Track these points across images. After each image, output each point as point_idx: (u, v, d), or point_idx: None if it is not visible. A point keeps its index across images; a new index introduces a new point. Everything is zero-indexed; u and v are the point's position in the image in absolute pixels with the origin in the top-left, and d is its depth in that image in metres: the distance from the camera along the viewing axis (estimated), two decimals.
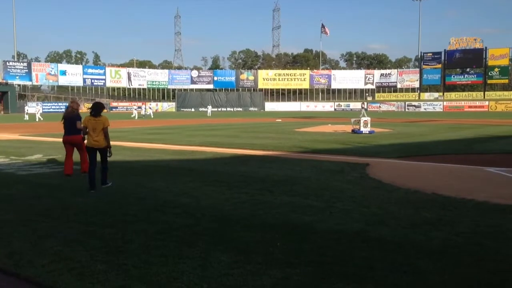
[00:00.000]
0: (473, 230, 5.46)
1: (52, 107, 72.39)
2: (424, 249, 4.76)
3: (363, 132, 21.48)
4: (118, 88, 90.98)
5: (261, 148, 15.03)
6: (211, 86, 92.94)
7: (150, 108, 56.30)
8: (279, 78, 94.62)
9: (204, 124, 34.09)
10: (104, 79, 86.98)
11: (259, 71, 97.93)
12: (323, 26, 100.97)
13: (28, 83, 79.52)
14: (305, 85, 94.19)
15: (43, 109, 67.37)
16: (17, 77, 76.55)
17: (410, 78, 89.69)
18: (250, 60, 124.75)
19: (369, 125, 21.91)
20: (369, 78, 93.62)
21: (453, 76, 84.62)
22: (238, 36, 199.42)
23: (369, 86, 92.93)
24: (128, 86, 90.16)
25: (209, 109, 61.75)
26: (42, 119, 42.61)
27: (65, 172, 9.63)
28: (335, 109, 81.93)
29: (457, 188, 8.13)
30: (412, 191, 7.87)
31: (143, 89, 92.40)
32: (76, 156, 9.89)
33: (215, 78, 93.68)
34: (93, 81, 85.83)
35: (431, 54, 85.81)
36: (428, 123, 33.97)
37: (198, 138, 19.70)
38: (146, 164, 11.51)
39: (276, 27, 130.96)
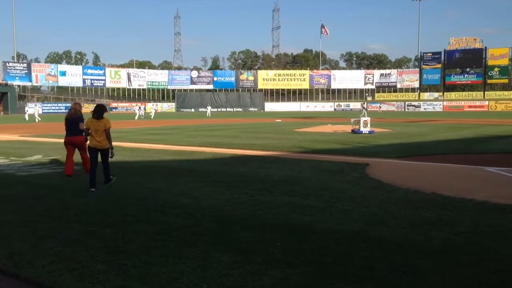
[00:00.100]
0: (473, 230, 5.46)
1: (52, 107, 72.50)
2: (424, 249, 4.76)
3: (363, 132, 21.49)
4: (118, 89, 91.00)
5: (261, 149, 15.03)
6: (211, 87, 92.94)
7: (152, 108, 57.26)
8: (279, 79, 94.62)
9: (204, 124, 34.10)
10: (104, 80, 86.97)
11: (259, 71, 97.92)
12: (322, 26, 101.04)
13: (28, 84, 79.51)
14: (305, 85, 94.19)
15: (43, 110, 67.63)
16: (17, 77, 76.54)
17: (410, 78, 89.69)
18: (250, 61, 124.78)
19: (369, 125, 21.91)
20: (369, 78, 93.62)
21: (453, 76, 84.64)
22: (238, 36, 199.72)
23: (369, 86, 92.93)
24: (128, 87, 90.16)
25: (209, 109, 61.75)
26: (39, 119, 42.65)
27: (66, 173, 9.65)
28: (335, 109, 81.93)
29: (457, 188, 8.13)
30: (412, 191, 7.87)
31: (142, 89, 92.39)
32: (76, 157, 9.90)
33: (215, 79, 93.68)
34: (93, 81, 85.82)
35: (431, 54, 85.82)
36: (428, 123, 33.98)
37: (198, 138, 19.71)
38: (146, 164, 11.51)
39: (275, 28, 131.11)
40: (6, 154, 13.95)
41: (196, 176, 9.55)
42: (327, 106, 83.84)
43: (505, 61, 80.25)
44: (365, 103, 38.19)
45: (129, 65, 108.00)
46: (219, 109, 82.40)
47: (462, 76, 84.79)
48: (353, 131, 21.92)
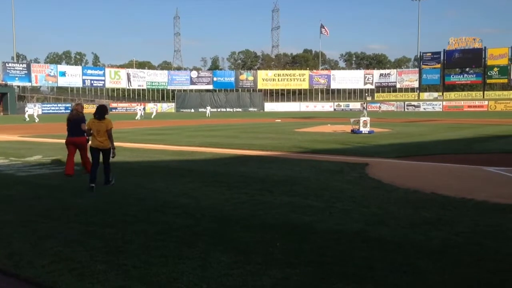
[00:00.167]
0: (472, 230, 5.46)
1: (52, 108, 72.47)
2: (423, 249, 4.76)
3: (363, 132, 21.49)
4: (118, 89, 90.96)
5: (260, 149, 15.03)
6: (210, 87, 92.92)
7: (153, 108, 57.74)
8: (278, 79, 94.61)
9: (203, 124, 34.10)
10: (104, 80, 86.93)
11: (259, 71, 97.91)
12: (322, 26, 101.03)
13: (28, 84, 79.47)
14: (305, 85, 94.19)
15: (42, 110, 67.61)
16: (17, 78, 76.49)
17: (409, 78, 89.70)
18: (249, 61, 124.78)
19: (368, 125, 21.91)
20: (368, 78, 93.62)
21: (453, 76, 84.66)
22: (238, 36, 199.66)
23: (369, 86, 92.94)
24: (128, 87, 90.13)
25: (208, 109, 61.71)
26: (38, 120, 42.67)
27: (66, 172, 9.66)
28: (334, 109, 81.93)
29: (457, 188, 8.14)
30: (412, 191, 7.87)
31: (142, 89, 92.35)
32: (77, 157, 9.92)
33: (215, 79, 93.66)
34: (92, 82, 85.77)
35: (430, 54, 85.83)
36: (427, 123, 33.99)
37: (198, 138, 19.71)
38: (146, 164, 11.52)
39: (275, 28, 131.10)
40: (6, 154, 13.95)
41: (196, 176, 9.55)
42: (327, 106, 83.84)
43: (504, 61, 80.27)
44: (365, 103, 38.15)
45: (129, 65, 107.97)
46: (219, 109, 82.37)
47: (461, 76, 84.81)
48: (353, 131, 21.92)
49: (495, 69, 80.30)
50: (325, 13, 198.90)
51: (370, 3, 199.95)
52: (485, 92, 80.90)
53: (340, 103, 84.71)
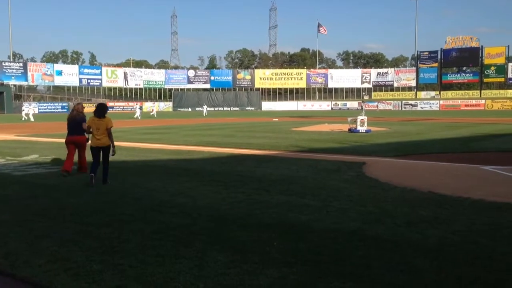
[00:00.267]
0: (469, 228, 5.47)
1: (48, 107, 72.27)
2: (420, 248, 4.77)
3: (360, 131, 21.51)
4: (115, 88, 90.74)
5: (257, 148, 15.03)
6: (207, 86, 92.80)
7: (153, 107, 58.59)
8: (276, 78, 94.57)
9: (201, 123, 34.08)
10: (101, 79, 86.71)
11: (256, 70, 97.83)
12: (319, 25, 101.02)
13: (24, 83, 79.19)
14: (302, 84, 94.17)
15: (39, 109, 67.47)
16: (13, 77, 76.21)
17: (406, 77, 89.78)
18: (246, 60, 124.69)
19: (365, 124, 21.94)
20: (365, 77, 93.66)
21: (450, 75, 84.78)
22: (235, 35, 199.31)
23: (366, 85, 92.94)
24: (125, 86, 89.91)
25: (205, 108, 61.63)
26: (33, 119, 42.55)
27: (64, 167, 9.65)
28: (332, 108, 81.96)
29: (453, 187, 8.16)
30: (409, 189, 7.88)
31: (139, 89, 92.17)
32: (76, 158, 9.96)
33: (212, 78, 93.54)
34: (89, 81, 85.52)
35: (427, 53, 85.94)
36: (424, 121, 34.05)
37: (195, 138, 19.69)
38: (142, 164, 11.50)
39: (272, 27, 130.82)
40: (2, 153, 13.91)
41: (193, 175, 9.54)
42: (324, 105, 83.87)
43: (501, 59, 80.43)
44: (364, 102, 38.18)
45: (126, 64, 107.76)
46: (216, 108, 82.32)
47: (458, 75, 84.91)
48: (350, 130, 21.94)
49: (492, 68, 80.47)
50: (322, 12, 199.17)
51: (368, 2, 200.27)
52: (482, 91, 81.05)
53: (338, 102, 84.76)
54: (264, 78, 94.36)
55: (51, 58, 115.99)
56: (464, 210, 6.39)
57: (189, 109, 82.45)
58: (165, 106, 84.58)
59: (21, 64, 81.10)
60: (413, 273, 4.07)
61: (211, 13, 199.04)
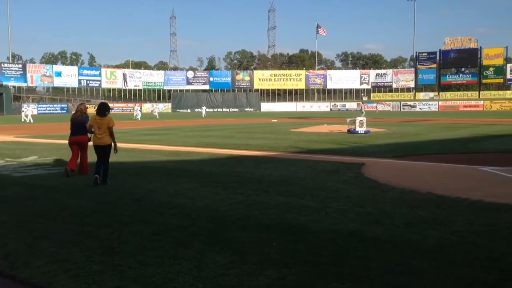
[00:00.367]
0: (467, 229, 5.48)
1: (48, 108, 72.22)
2: (419, 248, 4.78)
3: (359, 132, 21.53)
4: (114, 89, 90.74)
5: (256, 149, 15.03)
6: (207, 87, 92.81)
7: (154, 108, 58.57)
8: (274, 79, 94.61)
9: (200, 125, 34.07)
10: (100, 80, 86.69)
11: (255, 71, 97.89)
12: (318, 26, 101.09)
13: (23, 84, 79.17)
14: (301, 85, 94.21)
15: (38, 110, 67.38)
16: (12, 78, 76.19)
17: (405, 78, 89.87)
18: (245, 61, 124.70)
19: (364, 125, 21.96)
20: (364, 78, 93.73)
21: (448, 76, 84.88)
22: (234, 36, 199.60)
23: (365, 86, 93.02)
24: (124, 87, 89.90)
25: (204, 109, 61.60)
26: (32, 121, 42.52)
27: (68, 165, 9.73)
28: (330, 109, 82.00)
29: (452, 187, 8.17)
30: (407, 190, 7.89)
31: (138, 90, 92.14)
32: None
33: (211, 79, 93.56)
34: (88, 82, 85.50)
35: (426, 54, 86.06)
36: (423, 122, 34.07)
37: (194, 139, 19.70)
38: (142, 165, 11.50)
39: (271, 28, 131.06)
40: (1, 155, 13.90)
41: (192, 176, 9.55)
42: (323, 106, 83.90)
43: (500, 60, 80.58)
44: (363, 103, 38.19)
45: (125, 65, 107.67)
46: (215, 110, 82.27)
47: (457, 76, 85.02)
48: (349, 131, 21.96)
49: (491, 69, 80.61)
50: (321, 13, 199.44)
51: (366, 3, 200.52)
52: (481, 92, 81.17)
53: (337, 103, 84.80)
54: (263, 79, 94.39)
55: (50, 59, 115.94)
56: (462, 211, 6.40)
57: (188, 110, 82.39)
58: (164, 107, 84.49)
59: (20, 65, 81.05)
60: (412, 274, 4.08)
61: (210, 14, 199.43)
